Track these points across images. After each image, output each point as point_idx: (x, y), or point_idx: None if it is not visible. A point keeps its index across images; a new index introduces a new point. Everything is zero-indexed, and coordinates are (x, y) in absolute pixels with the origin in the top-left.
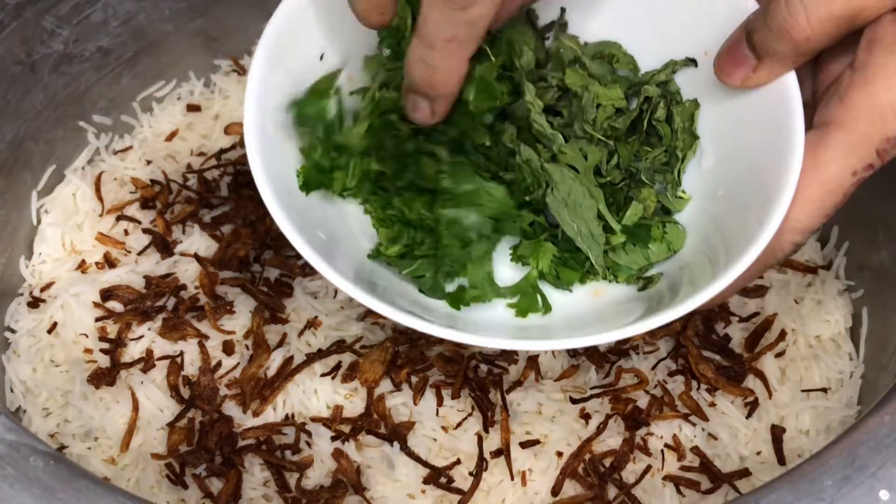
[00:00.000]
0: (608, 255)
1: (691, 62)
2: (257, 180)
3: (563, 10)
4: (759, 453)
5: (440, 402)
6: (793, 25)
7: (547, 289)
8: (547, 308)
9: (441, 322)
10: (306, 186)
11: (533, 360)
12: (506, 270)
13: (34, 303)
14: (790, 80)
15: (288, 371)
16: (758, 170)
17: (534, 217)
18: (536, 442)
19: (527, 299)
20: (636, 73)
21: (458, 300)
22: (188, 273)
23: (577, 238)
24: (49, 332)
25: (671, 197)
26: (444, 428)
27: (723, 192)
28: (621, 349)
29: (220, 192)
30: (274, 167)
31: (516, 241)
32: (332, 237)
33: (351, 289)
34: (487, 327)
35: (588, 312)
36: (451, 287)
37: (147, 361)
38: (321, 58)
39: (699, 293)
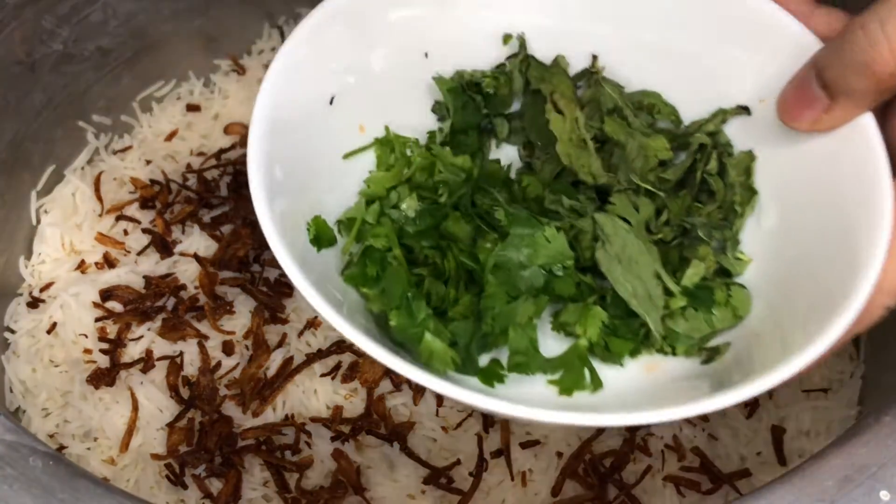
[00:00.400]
0: (665, 323)
1: (744, 110)
2: (272, 243)
3: (594, 57)
4: (759, 453)
5: (440, 403)
6: (874, 59)
7: (595, 363)
8: (597, 384)
9: (475, 388)
10: (317, 241)
11: None
12: (545, 342)
13: (34, 303)
14: (868, 121)
15: (288, 371)
16: (835, 227)
17: (580, 277)
18: (536, 442)
19: (573, 375)
20: (678, 125)
21: (491, 376)
22: (188, 273)
23: (632, 300)
24: (48, 332)
25: (731, 258)
26: (444, 428)
27: (792, 253)
28: None
29: (219, 191)
30: (284, 219)
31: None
32: (347, 300)
33: (376, 350)
34: (528, 403)
35: (643, 390)
36: (483, 362)
37: (147, 362)
38: (331, 101)
39: (778, 369)
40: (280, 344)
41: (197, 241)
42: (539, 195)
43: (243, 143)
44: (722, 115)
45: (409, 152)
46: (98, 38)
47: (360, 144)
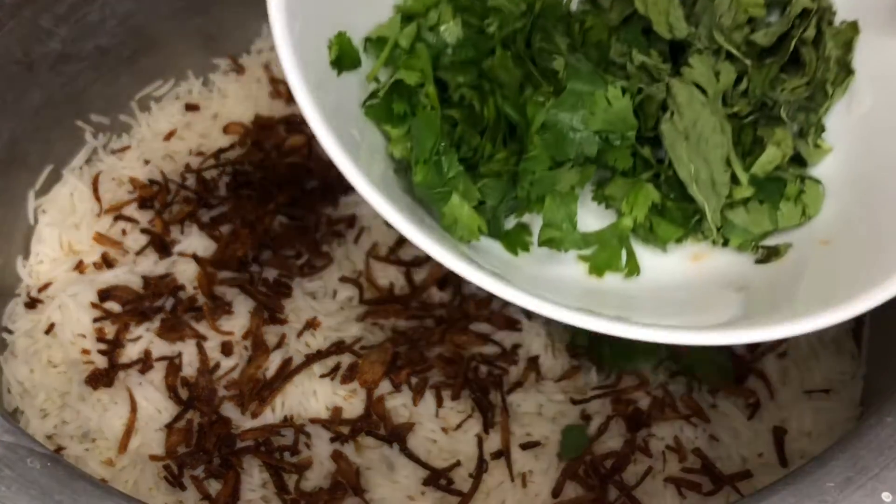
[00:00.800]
0: (723, 212)
1: None
2: (277, 42)
3: None
4: (760, 455)
5: (440, 404)
6: None
7: (634, 245)
8: (633, 269)
9: (490, 269)
10: (338, 63)
11: (533, 360)
12: (581, 213)
13: (31, 303)
14: None
15: (287, 372)
16: None
17: (638, 149)
18: (537, 444)
19: (607, 253)
20: None
21: (515, 242)
22: (186, 273)
23: (692, 185)
24: (46, 332)
25: (810, 144)
26: (444, 429)
27: (883, 152)
28: None
29: (218, 191)
30: (303, 36)
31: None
32: (365, 139)
33: (383, 205)
34: (550, 286)
35: (679, 287)
36: (508, 224)
37: (145, 362)
38: None
39: (838, 305)
40: (279, 345)
41: (196, 242)
42: (602, 41)
43: (242, 142)
44: None
45: None
46: (96, 38)
47: None
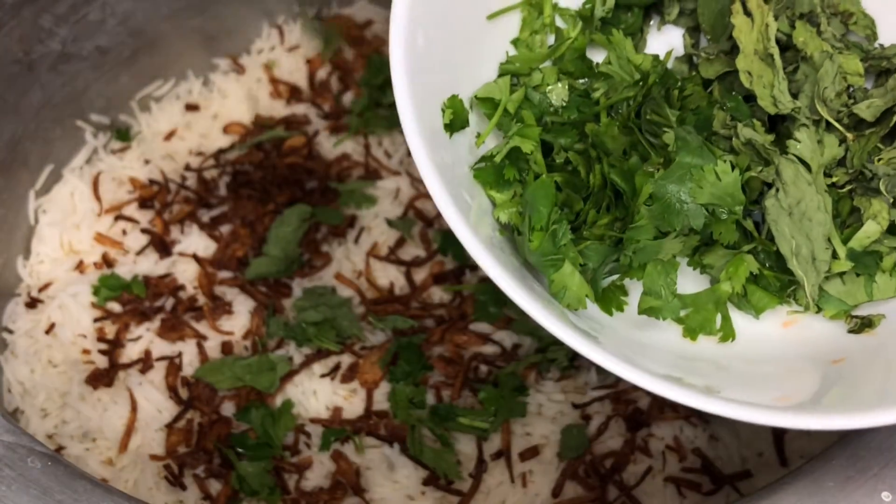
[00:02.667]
0: (821, 285)
1: None
2: (400, 107)
3: None
4: (760, 454)
5: (440, 403)
6: None
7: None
8: (728, 333)
9: (585, 330)
10: (451, 126)
11: (533, 361)
12: (679, 278)
13: (32, 303)
14: None
15: (287, 372)
16: None
17: (742, 222)
18: (536, 454)
19: (702, 316)
20: (872, 41)
21: (610, 303)
22: (186, 273)
23: (793, 259)
24: (47, 332)
25: None
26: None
27: None
28: None
29: (218, 191)
30: (421, 99)
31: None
32: (475, 201)
33: (492, 265)
34: (642, 349)
35: (771, 354)
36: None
37: (145, 362)
38: None
39: None
40: (279, 344)
41: (196, 242)
42: (702, 108)
43: (242, 142)
44: None
45: (561, 23)
46: (96, 38)
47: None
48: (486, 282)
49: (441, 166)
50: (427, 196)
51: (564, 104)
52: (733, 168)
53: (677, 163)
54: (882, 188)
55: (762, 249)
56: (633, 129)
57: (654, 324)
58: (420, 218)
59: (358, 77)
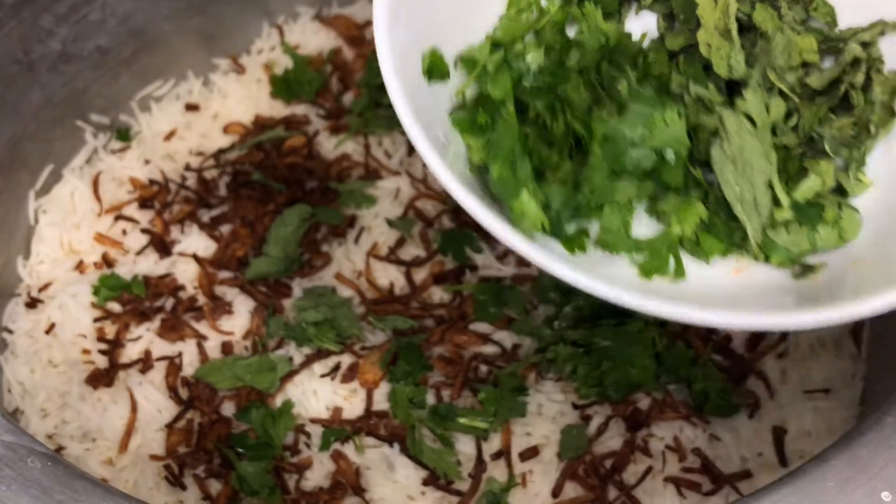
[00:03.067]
0: (765, 232)
1: None
2: (380, 52)
3: None
4: (760, 454)
5: (439, 402)
6: None
7: (682, 256)
8: (679, 273)
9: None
10: (430, 73)
11: (533, 361)
12: (634, 223)
13: (32, 303)
14: None
15: (287, 372)
16: None
17: (690, 168)
18: (536, 454)
19: (657, 260)
20: (832, 28)
21: (573, 243)
22: (187, 273)
23: (737, 204)
24: (47, 332)
25: (851, 177)
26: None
27: None
28: None
29: (218, 191)
30: (402, 45)
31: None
32: (450, 142)
33: (462, 193)
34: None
35: (724, 290)
36: (570, 229)
37: (145, 362)
38: None
39: (873, 298)
40: (279, 344)
41: (196, 242)
42: (663, 74)
43: (242, 142)
44: (881, 28)
45: (544, 3)
46: (96, 38)
47: None
48: (486, 282)
49: (418, 108)
50: (427, 196)
51: (539, 69)
52: (680, 116)
53: (630, 110)
54: (828, 149)
55: (713, 200)
56: (595, 84)
57: (613, 263)
58: (420, 218)
59: (358, 77)
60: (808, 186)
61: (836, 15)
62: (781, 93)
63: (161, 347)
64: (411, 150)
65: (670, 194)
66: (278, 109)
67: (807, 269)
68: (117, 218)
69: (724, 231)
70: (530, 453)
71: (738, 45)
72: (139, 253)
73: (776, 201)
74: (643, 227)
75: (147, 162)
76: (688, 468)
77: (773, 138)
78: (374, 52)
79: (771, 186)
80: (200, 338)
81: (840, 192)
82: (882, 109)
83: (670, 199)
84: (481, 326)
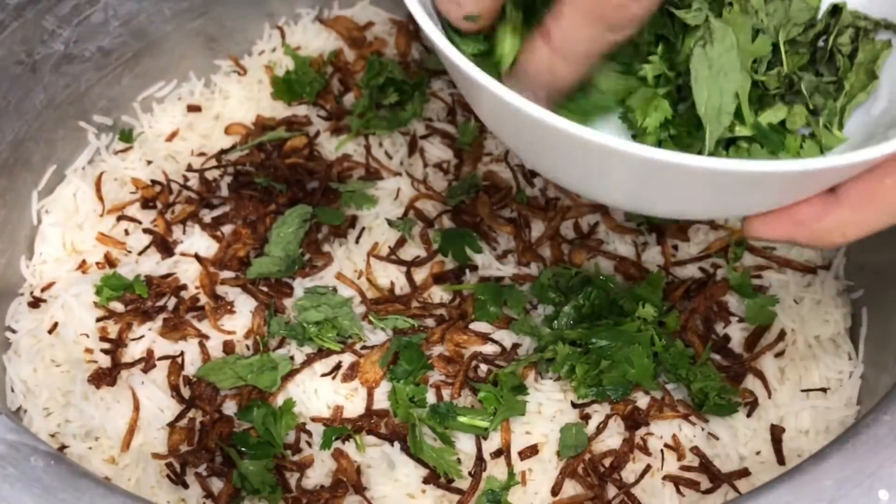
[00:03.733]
0: (728, 152)
1: None
2: None
3: None
4: (758, 453)
5: (440, 402)
6: None
7: None
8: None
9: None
10: None
11: (533, 360)
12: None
13: (35, 303)
14: None
15: (288, 371)
16: None
17: (662, 68)
18: (535, 452)
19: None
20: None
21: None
22: (189, 273)
23: (702, 107)
24: (50, 332)
25: (823, 127)
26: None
27: (884, 137)
28: None
29: (220, 192)
30: None
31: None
32: None
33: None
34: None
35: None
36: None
37: (148, 361)
38: None
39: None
40: (281, 344)
41: (198, 241)
42: None
43: (243, 142)
44: (883, 22)
45: None
46: (99, 39)
47: None
48: (486, 282)
49: None
50: (427, 196)
51: None
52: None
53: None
54: (804, 89)
55: (683, 104)
56: None
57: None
58: (420, 218)
59: (359, 78)
60: (773, 112)
61: None
62: (770, 34)
63: (163, 347)
64: (412, 150)
65: (639, 90)
66: (279, 110)
67: None
68: (120, 218)
69: (686, 141)
70: (530, 452)
71: None
72: (141, 253)
73: (741, 119)
74: (621, 135)
75: (149, 162)
76: (686, 467)
77: (752, 72)
78: (374, 53)
79: (738, 98)
80: (202, 337)
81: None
82: (863, 72)
83: (639, 94)
84: (481, 326)
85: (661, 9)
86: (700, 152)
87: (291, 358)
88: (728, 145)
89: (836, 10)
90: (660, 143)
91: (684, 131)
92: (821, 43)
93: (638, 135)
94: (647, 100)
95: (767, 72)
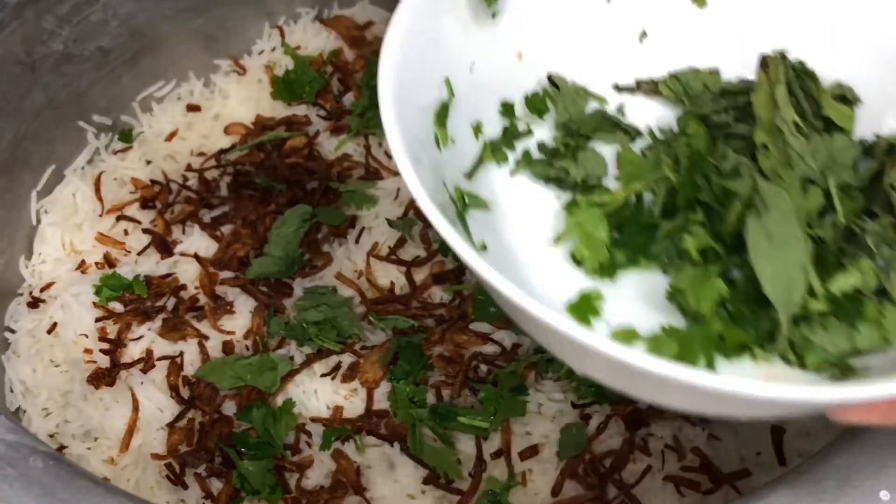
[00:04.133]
0: (800, 328)
1: None
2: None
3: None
4: (759, 453)
5: (440, 400)
6: None
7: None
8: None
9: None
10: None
11: (533, 360)
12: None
13: (34, 303)
14: None
15: (288, 371)
16: None
17: (709, 241)
18: (536, 453)
19: (688, 354)
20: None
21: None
22: (188, 273)
23: (768, 285)
24: (49, 332)
25: (894, 280)
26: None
27: None
28: None
29: (219, 192)
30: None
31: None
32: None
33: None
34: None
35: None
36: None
37: (147, 362)
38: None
39: None
40: (280, 344)
41: (197, 242)
42: (701, 151)
43: (243, 142)
44: None
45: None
46: (98, 39)
47: None
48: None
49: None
50: None
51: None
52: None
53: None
54: (870, 243)
55: (743, 281)
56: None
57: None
58: (420, 218)
59: (358, 78)
60: (846, 280)
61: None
62: (821, 184)
63: (162, 347)
64: None
65: (687, 269)
66: (279, 110)
67: (847, 372)
68: (119, 218)
69: (752, 322)
70: (530, 452)
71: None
72: (141, 253)
73: (811, 292)
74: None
75: (149, 162)
76: (687, 467)
77: (808, 230)
78: (374, 53)
79: (806, 272)
80: (202, 337)
81: (885, 298)
82: None
83: (688, 276)
84: (481, 326)
85: (696, 170)
86: (773, 334)
87: (291, 358)
88: (798, 321)
89: (892, 149)
90: (722, 338)
91: (747, 310)
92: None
93: (693, 319)
94: (698, 280)
95: (820, 222)
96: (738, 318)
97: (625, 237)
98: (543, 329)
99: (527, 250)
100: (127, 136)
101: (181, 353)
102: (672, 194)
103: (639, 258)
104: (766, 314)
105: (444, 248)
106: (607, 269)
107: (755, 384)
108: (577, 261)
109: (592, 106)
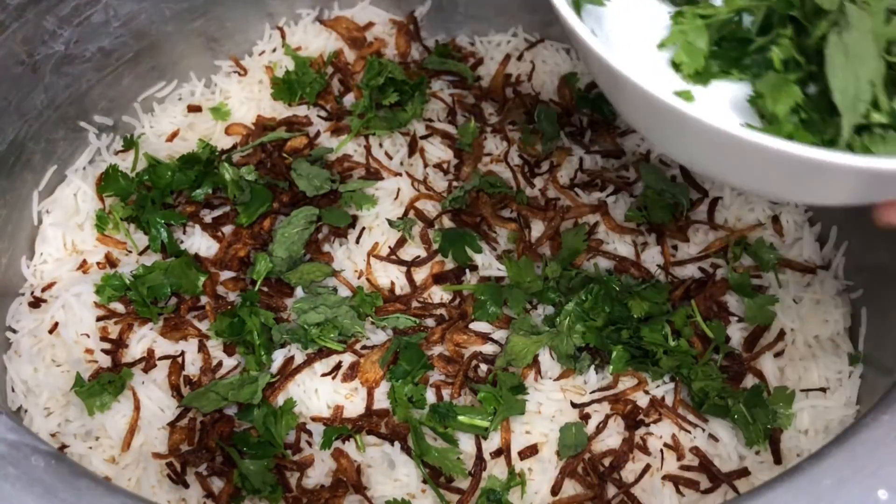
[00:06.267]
0: (862, 136)
1: None
2: None
3: None
4: (758, 453)
5: (439, 400)
6: None
7: None
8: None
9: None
10: None
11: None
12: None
13: (35, 303)
14: None
15: (289, 371)
16: None
17: (793, 52)
18: (535, 452)
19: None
20: None
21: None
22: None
23: (837, 94)
24: (50, 332)
25: None
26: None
27: None
28: None
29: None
30: None
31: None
32: None
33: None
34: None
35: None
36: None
37: (148, 361)
38: None
39: None
40: (281, 343)
41: (198, 241)
42: None
43: (244, 143)
44: None
45: None
46: (99, 39)
47: None
48: (486, 282)
49: None
50: (427, 196)
51: None
52: None
53: None
54: None
55: (817, 91)
56: None
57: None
58: (420, 218)
59: (359, 79)
60: None
61: None
62: None
63: (164, 347)
64: (412, 150)
65: (768, 74)
66: (280, 111)
67: None
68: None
69: (819, 127)
70: (529, 451)
71: None
72: (142, 253)
73: (876, 105)
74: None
75: None
76: (686, 466)
77: (884, 55)
78: (374, 53)
79: (874, 85)
80: (203, 337)
81: None
82: None
83: (768, 80)
84: (481, 326)
85: None
86: (835, 140)
87: (291, 358)
88: (860, 131)
89: None
90: (791, 134)
91: (817, 117)
92: None
93: (769, 121)
94: (777, 85)
95: (894, 50)
96: (807, 124)
97: (722, 50)
98: (647, 101)
99: (632, 50)
100: (131, 142)
101: (182, 353)
102: (769, 15)
103: (732, 70)
104: (832, 122)
105: (444, 248)
106: (702, 76)
107: (856, 157)
108: (675, 66)
109: None
